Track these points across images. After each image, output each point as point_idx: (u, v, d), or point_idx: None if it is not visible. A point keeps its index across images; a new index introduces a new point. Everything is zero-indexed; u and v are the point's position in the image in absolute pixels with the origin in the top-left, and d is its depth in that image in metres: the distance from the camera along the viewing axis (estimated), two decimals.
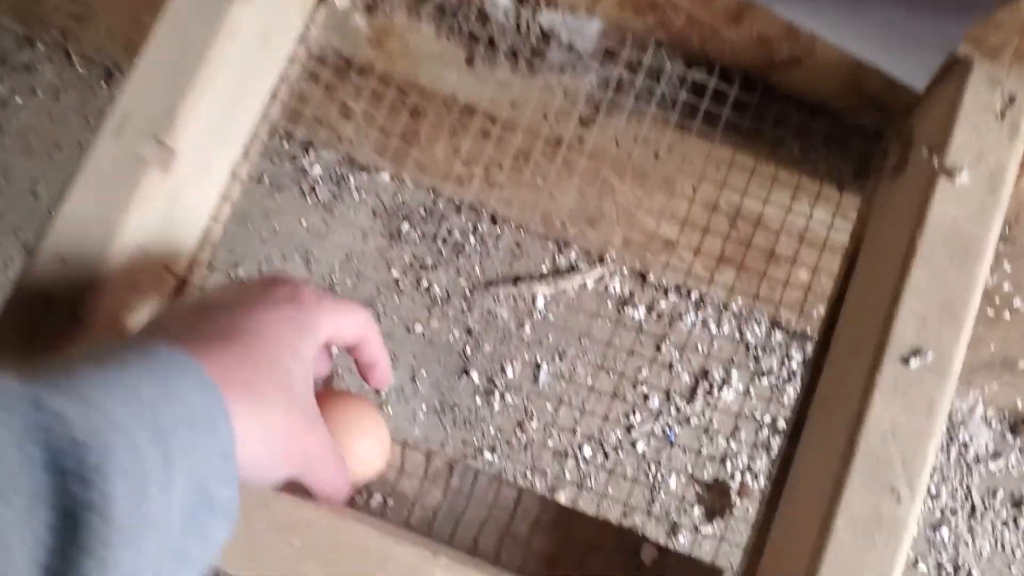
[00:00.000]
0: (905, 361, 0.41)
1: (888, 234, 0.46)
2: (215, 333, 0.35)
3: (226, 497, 0.31)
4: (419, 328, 1.06)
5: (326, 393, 0.44)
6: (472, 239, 1.09)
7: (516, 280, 1.08)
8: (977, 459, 1.06)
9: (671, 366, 1.06)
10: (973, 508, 1.05)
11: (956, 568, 1.03)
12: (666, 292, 1.09)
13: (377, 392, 1.00)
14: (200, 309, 0.37)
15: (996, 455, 1.07)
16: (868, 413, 0.40)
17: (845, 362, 0.45)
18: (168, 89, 0.45)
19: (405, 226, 1.10)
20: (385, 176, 1.12)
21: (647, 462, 1.04)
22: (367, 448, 0.45)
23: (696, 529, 1.00)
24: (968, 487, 1.05)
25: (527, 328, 1.07)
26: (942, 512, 1.04)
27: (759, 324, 1.09)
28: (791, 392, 1.06)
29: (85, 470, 0.26)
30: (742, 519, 0.97)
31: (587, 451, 1.03)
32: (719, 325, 1.08)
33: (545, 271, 1.09)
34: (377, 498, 0.49)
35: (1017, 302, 0.77)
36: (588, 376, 1.05)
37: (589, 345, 1.06)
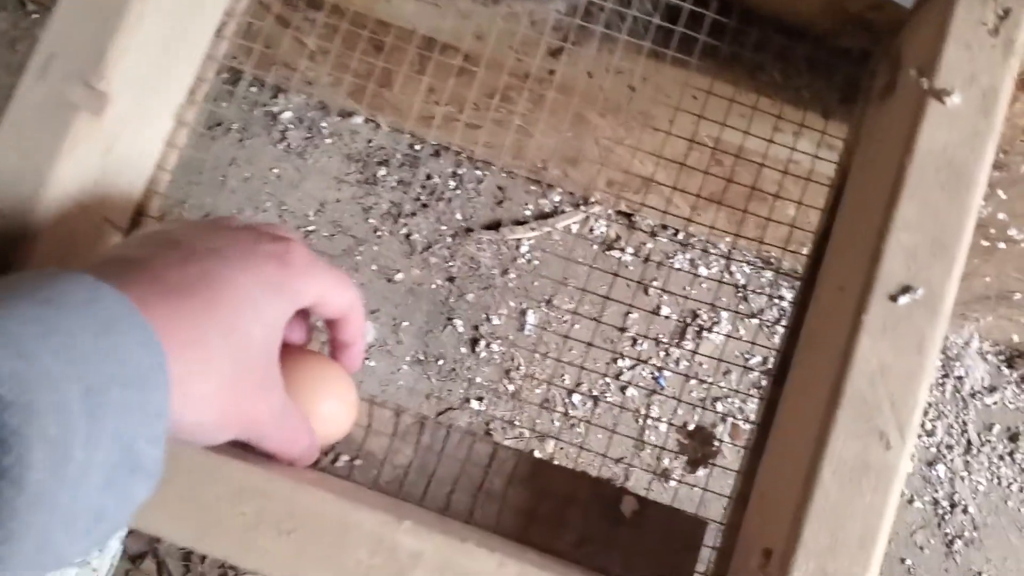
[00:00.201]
0: (894, 298, 0.38)
1: (875, 163, 0.44)
2: (178, 283, 0.34)
3: (152, 457, 0.30)
4: (400, 277, 1.03)
5: (292, 352, 0.42)
6: (452, 183, 1.06)
7: (499, 225, 1.05)
8: (973, 393, 1.05)
9: (659, 308, 1.04)
10: (969, 443, 1.03)
11: (953, 504, 1.02)
12: (653, 234, 1.06)
13: None
14: (174, 246, 0.36)
15: (992, 389, 1.05)
16: (855, 354, 0.38)
17: (831, 300, 0.43)
18: (96, 26, 0.42)
19: (382, 171, 1.07)
20: (358, 120, 1.08)
21: (636, 407, 1.02)
22: (333, 408, 0.43)
23: (685, 476, 0.99)
24: (964, 422, 1.04)
25: (511, 274, 1.04)
26: (938, 448, 1.03)
27: (747, 264, 1.06)
28: (782, 332, 1.04)
29: (7, 433, 0.25)
30: (734, 463, 0.96)
31: (576, 398, 1.02)
32: (708, 266, 1.06)
33: (528, 215, 1.06)
34: (344, 458, 0.47)
35: (1013, 231, 0.74)
36: (575, 322, 1.03)
37: (575, 290, 1.04)
